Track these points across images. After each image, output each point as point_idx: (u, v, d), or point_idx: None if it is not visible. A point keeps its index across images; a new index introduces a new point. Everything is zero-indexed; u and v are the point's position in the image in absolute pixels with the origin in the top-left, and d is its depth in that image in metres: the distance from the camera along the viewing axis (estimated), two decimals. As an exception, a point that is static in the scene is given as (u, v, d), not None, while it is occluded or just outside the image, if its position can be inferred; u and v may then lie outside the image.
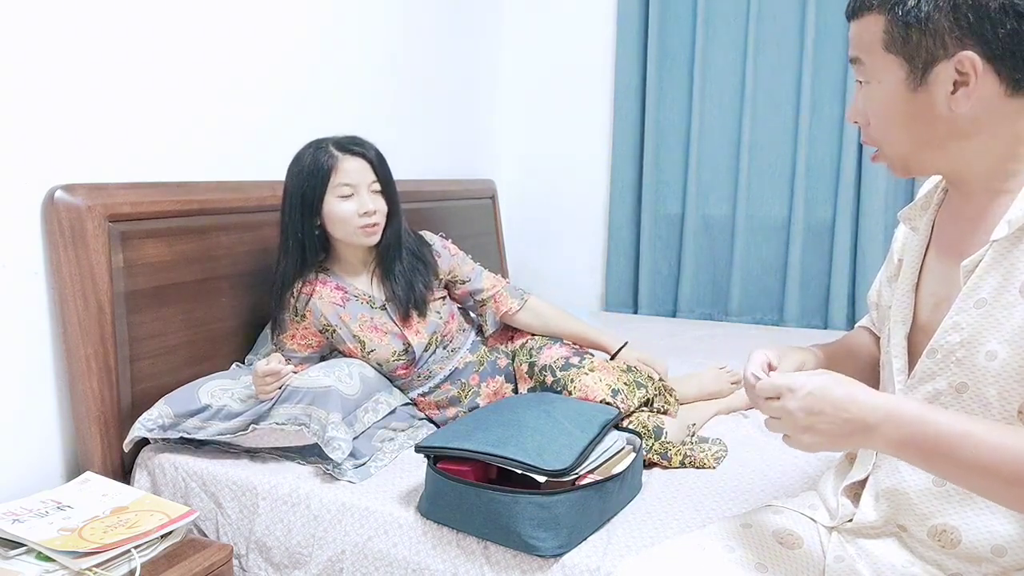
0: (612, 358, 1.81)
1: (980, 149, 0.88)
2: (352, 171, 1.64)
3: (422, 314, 1.72)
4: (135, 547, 1.22)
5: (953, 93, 0.84)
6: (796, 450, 0.90)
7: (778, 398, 0.88)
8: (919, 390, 0.94)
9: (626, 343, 1.84)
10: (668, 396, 1.69)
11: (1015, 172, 0.87)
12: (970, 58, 0.82)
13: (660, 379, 1.76)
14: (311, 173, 1.63)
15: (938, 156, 0.90)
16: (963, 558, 0.91)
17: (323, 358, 1.76)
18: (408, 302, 1.69)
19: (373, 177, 1.66)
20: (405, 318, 1.70)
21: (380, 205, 1.67)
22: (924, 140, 0.89)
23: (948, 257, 0.94)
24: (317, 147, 1.65)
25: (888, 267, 1.12)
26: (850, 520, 1.02)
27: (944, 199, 1.00)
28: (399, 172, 1.81)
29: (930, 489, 0.93)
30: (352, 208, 1.63)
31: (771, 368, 1.01)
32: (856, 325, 1.26)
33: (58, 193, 1.46)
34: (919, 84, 0.86)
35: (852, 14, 0.91)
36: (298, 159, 1.66)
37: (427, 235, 1.84)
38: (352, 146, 1.66)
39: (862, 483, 1.02)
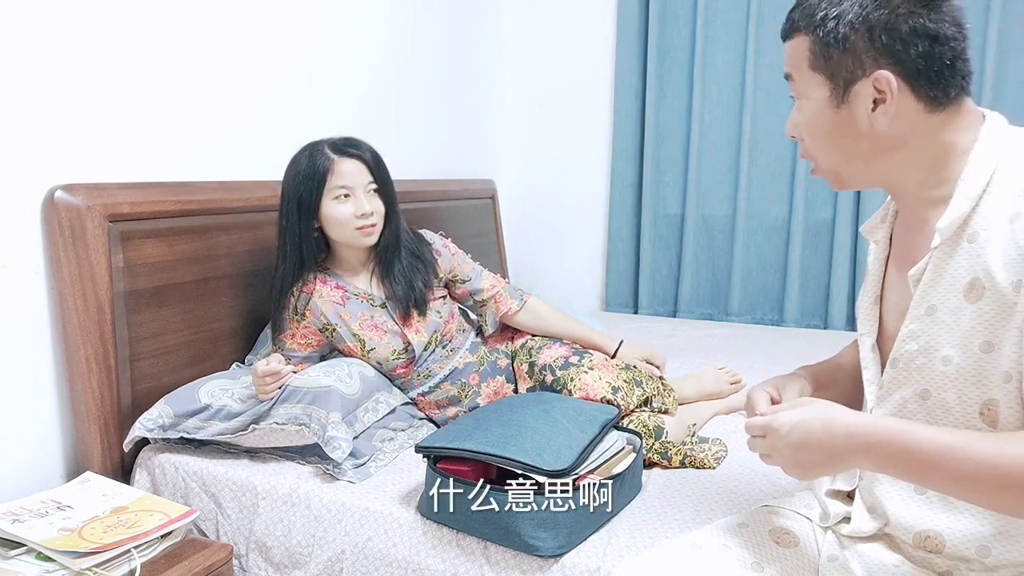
0: (612, 358, 1.82)
1: (907, 161, 0.91)
2: (348, 173, 1.64)
3: (422, 313, 1.72)
4: (135, 547, 1.22)
5: (873, 110, 0.88)
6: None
7: (764, 436, 0.91)
8: (888, 400, 0.96)
9: (622, 341, 1.84)
10: (666, 396, 1.69)
11: (945, 180, 0.89)
12: (886, 77, 0.86)
13: (660, 376, 1.76)
14: (307, 176, 1.63)
15: (866, 169, 0.93)
16: (951, 559, 0.91)
17: (323, 357, 1.76)
18: (408, 301, 1.69)
19: (370, 178, 1.66)
20: (406, 317, 1.70)
21: (377, 206, 1.67)
22: (851, 154, 0.93)
23: (903, 267, 0.96)
24: (313, 150, 1.65)
25: (867, 281, 1.14)
26: (845, 520, 1.03)
27: (898, 210, 1.02)
28: (399, 172, 1.81)
29: (912, 497, 0.94)
30: (349, 210, 1.63)
31: (775, 402, 1.04)
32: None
33: (58, 193, 1.46)
34: (841, 101, 0.90)
35: (784, 35, 0.95)
36: (294, 162, 1.66)
37: (427, 234, 1.84)
38: (348, 148, 1.66)
39: (849, 492, 1.04)
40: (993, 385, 0.85)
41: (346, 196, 1.63)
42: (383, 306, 1.72)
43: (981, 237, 0.85)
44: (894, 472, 0.85)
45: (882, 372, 0.98)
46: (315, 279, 1.71)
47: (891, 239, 1.03)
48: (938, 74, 0.86)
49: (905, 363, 0.92)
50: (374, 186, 1.67)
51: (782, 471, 0.91)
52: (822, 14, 0.89)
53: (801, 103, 0.95)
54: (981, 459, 0.78)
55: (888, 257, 1.03)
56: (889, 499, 0.96)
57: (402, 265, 1.71)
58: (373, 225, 1.66)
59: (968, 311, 0.85)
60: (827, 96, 0.91)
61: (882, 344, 1.01)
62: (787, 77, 0.96)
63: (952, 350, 0.87)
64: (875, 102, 0.88)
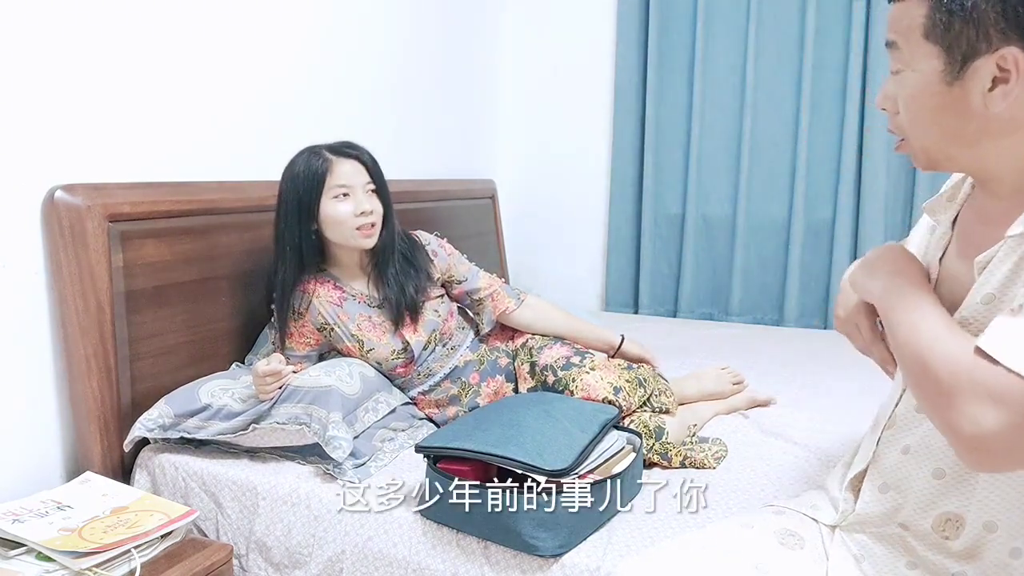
0: (614, 355, 1.82)
1: (1011, 150, 0.84)
2: (347, 173, 1.64)
3: (415, 318, 1.71)
4: (135, 547, 1.22)
5: (991, 90, 0.81)
6: (798, 446, 0.91)
7: None
8: None
9: (623, 336, 1.84)
10: (667, 396, 1.69)
11: None
12: (1014, 55, 0.78)
13: (659, 373, 1.76)
14: (306, 177, 1.63)
15: (965, 153, 0.87)
16: (962, 555, 0.91)
17: (322, 357, 1.76)
18: (400, 306, 1.69)
19: (368, 178, 1.66)
20: (398, 321, 1.70)
21: (376, 206, 1.67)
22: (953, 136, 0.86)
23: (967, 256, 0.91)
24: (311, 152, 1.65)
25: (918, 248, 1.10)
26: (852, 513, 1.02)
27: (971, 194, 0.97)
28: (399, 172, 1.81)
29: (930, 482, 0.93)
30: (348, 209, 1.63)
31: None
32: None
33: (58, 193, 1.46)
34: (956, 78, 0.82)
35: None
36: (292, 165, 1.66)
37: (422, 235, 1.84)
38: (346, 149, 1.66)
39: (863, 476, 1.02)
40: None
41: (345, 195, 1.64)
42: (380, 307, 1.72)
43: None
44: (884, 309, 0.89)
45: None
46: (314, 280, 1.71)
47: (953, 223, 0.98)
48: None
49: None
50: (372, 186, 1.67)
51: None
52: None
53: (904, 75, 0.87)
54: (938, 344, 0.80)
55: (949, 241, 0.97)
56: (908, 476, 0.94)
57: (395, 269, 1.71)
58: (372, 225, 1.66)
59: None
60: (939, 69, 0.82)
61: None
62: (889, 44, 0.88)
63: None
64: (994, 81, 0.80)
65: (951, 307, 0.91)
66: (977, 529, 0.89)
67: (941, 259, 0.98)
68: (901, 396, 0.98)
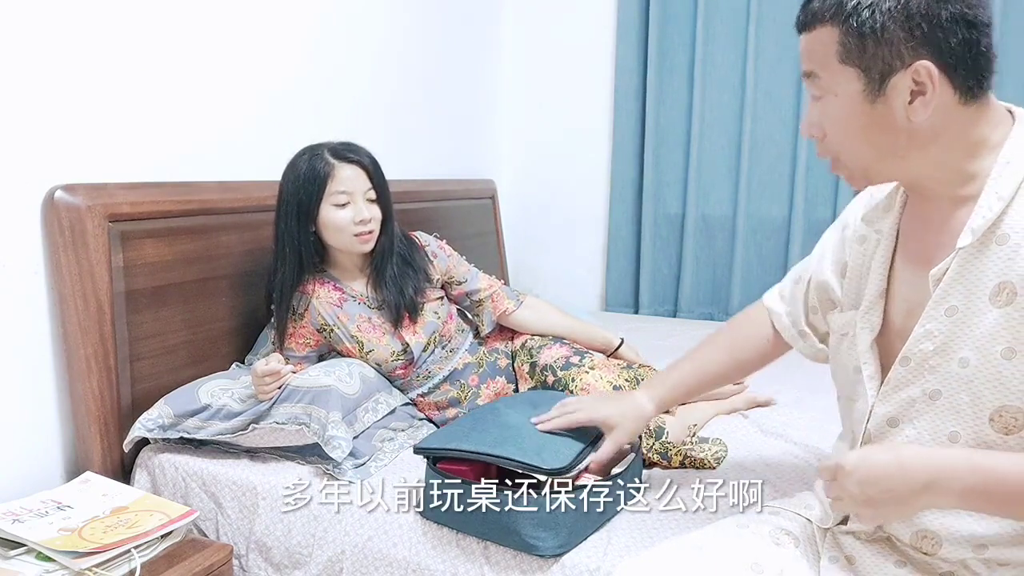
0: (612, 354, 1.82)
1: (939, 156, 0.87)
2: (348, 179, 1.63)
3: (414, 318, 1.71)
4: (135, 547, 1.22)
5: (911, 103, 0.84)
6: (798, 447, 0.91)
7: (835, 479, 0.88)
8: (893, 398, 0.94)
9: (622, 339, 1.84)
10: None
11: (974, 176, 0.87)
12: (926, 67, 0.82)
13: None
14: (307, 180, 1.62)
15: (898, 165, 0.90)
16: (950, 562, 0.91)
17: (321, 358, 1.76)
18: (399, 307, 1.69)
19: (368, 185, 1.66)
20: (398, 322, 1.70)
21: (375, 213, 1.66)
22: (884, 150, 0.88)
23: (916, 263, 0.94)
24: (313, 154, 1.65)
25: (837, 261, 1.10)
26: (842, 523, 1.02)
27: (907, 202, 0.99)
28: (399, 173, 1.81)
29: None
30: (348, 216, 1.63)
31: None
32: (764, 301, 1.26)
33: (58, 193, 1.46)
34: (877, 95, 0.85)
35: (803, 27, 0.91)
36: (293, 166, 1.66)
37: (422, 236, 1.84)
38: (348, 153, 1.66)
39: None
40: (1010, 392, 0.83)
41: (345, 202, 1.63)
42: (380, 308, 1.72)
43: (1012, 240, 0.83)
44: (975, 502, 0.83)
45: (883, 368, 0.97)
46: (313, 280, 1.71)
47: (897, 232, 0.99)
48: (975, 62, 0.83)
49: (918, 362, 0.90)
50: (372, 193, 1.67)
51: (858, 519, 0.90)
52: (854, 3, 0.84)
53: (826, 100, 0.90)
54: None
55: (895, 251, 0.99)
56: None
57: (394, 271, 1.71)
58: (370, 232, 1.66)
59: (993, 315, 0.83)
60: (860, 90, 0.86)
61: (885, 338, 0.98)
62: (807, 75, 0.91)
63: (970, 352, 0.85)
64: (912, 94, 0.84)
65: (909, 314, 0.93)
66: (962, 549, 0.89)
67: (891, 268, 0.98)
68: (870, 414, 0.98)
